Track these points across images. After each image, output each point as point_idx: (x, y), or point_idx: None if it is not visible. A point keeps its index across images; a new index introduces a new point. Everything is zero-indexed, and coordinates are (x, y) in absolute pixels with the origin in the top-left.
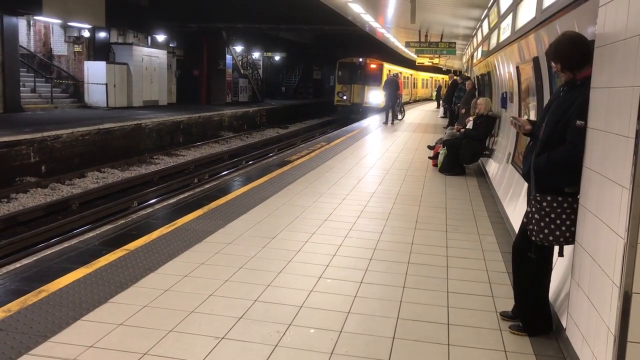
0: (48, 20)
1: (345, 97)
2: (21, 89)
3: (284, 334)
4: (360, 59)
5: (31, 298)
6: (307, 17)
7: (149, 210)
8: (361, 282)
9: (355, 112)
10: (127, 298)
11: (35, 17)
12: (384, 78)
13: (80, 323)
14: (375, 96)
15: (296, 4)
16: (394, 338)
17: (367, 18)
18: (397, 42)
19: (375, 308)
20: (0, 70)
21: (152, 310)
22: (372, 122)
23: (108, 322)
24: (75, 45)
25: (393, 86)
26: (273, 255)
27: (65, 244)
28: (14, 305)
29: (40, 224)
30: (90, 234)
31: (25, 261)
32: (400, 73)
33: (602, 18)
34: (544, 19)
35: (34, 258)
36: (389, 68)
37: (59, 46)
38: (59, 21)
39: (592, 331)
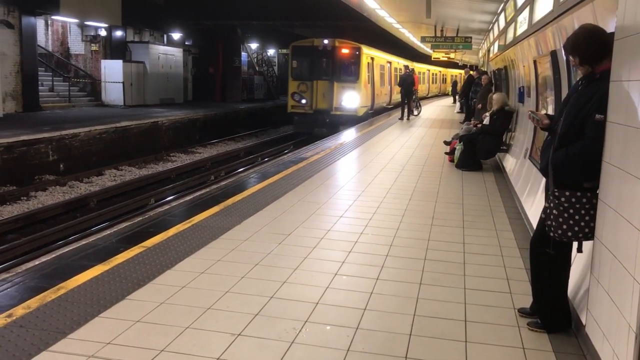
0: (65, 19)
1: (304, 101)
2: (39, 88)
3: (300, 330)
4: (326, 41)
5: (50, 295)
6: (321, 14)
7: (166, 207)
8: (377, 279)
9: (320, 125)
10: (144, 295)
11: (53, 17)
12: (364, 69)
13: (98, 320)
14: (351, 98)
15: (311, 1)
16: (410, 335)
17: (382, 13)
18: (412, 37)
19: (391, 305)
20: (19, 69)
21: (169, 307)
22: (387, 119)
23: (125, 319)
24: (92, 44)
25: (409, 81)
26: (289, 252)
27: (83, 242)
28: (34, 302)
29: (58, 222)
30: (108, 232)
31: (44, 258)
32: (390, 63)
33: (622, 9)
34: (561, 12)
35: (53, 255)
36: (372, 54)
37: (76, 45)
38: (76, 20)
39: (612, 328)
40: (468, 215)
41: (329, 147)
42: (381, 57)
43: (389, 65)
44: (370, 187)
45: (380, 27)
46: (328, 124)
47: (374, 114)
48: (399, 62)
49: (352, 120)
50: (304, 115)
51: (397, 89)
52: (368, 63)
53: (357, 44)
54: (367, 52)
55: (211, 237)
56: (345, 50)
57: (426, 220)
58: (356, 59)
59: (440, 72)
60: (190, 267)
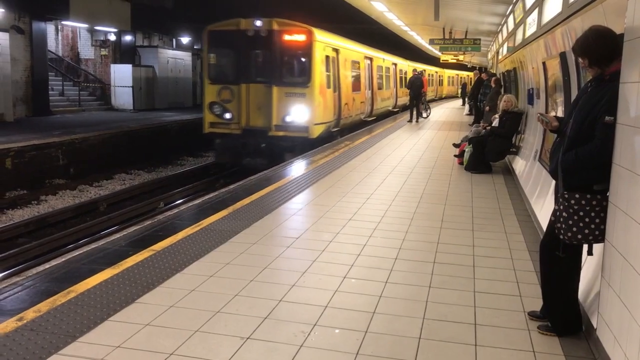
0: (75, 24)
1: (228, 116)
2: (50, 92)
3: (309, 334)
4: (259, 22)
5: (60, 298)
6: (328, 16)
7: (175, 211)
8: (386, 282)
9: (253, 152)
10: (153, 298)
11: (63, 22)
12: (317, 66)
13: (108, 323)
14: (300, 111)
15: (318, 3)
16: (420, 338)
17: (391, 16)
18: (420, 40)
19: (400, 308)
20: (30, 74)
21: (178, 311)
22: (397, 121)
23: (135, 323)
24: (101, 49)
25: (417, 84)
26: (297, 255)
27: (93, 245)
28: (44, 306)
29: (68, 226)
30: (118, 235)
31: (54, 262)
32: (395, 65)
33: (632, 10)
34: (571, 13)
35: (63, 259)
36: (335, 45)
37: (86, 50)
38: (85, 25)
39: (624, 331)
40: (477, 218)
41: (337, 150)
42: (361, 54)
43: (394, 67)
44: (379, 190)
45: (390, 31)
46: (265, 150)
47: (346, 130)
48: (404, 64)
49: (302, 144)
50: (228, 138)
51: (403, 91)
52: (328, 57)
53: (307, 26)
54: (323, 39)
55: (220, 240)
56: (289, 37)
57: (435, 223)
58: (307, 49)
59: (436, 72)
60: (199, 270)
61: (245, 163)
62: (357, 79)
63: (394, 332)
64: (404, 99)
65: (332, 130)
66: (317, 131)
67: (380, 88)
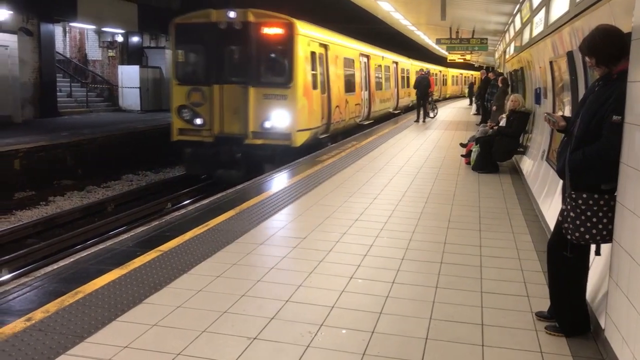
0: (83, 26)
1: (199, 121)
2: (58, 94)
3: (315, 334)
4: (233, 14)
5: (68, 299)
6: (334, 16)
7: (183, 211)
8: (393, 282)
9: (227, 162)
10: (161, 299)
11: (71, 24)
12: (300, 63)
13: (116, 324)
14: (282, 115)
15: (323, 3)
16: (426, 339)
17: (397, 16)
18: (427, 39)
19: (407, 308)
20: (38, 76)
21: (185, 311)
22: (399, 123)
23: (142, 323)
24: (109, 50)
25: (424, 84)
26: (304, 256)
27: (101, 246)
28: (52, 306)
29: (76, 226)
30: (125, 236)
31: (62, 263)
32: (397, 63)
33: None
34: (578, 12)
35: (71, 260)
36: (315, 38)
37: (94, 51)
38: (93, 27)
39: (632, 332)
40: (485, 218)
41: (344, 150)
42: (356, 51)
43: (394, 66)
44: (386, 190)
45: (397, 30)
46: (241, 161)
47: (339, 136)
48: (406, 63)
49: (283, 154)
50: (199, 147)
51: (405, 91)
52: (314, 54)
53: (288, 17)
54: (308, 33)
55: (227, 241)
56: (267, 30)
57: (442, 223)
58: (286, 45)
59: (440, 72)
60: (206, 271)
61: (219, 175)
62: (351, 79)
63: (401, 333)
64: (406, 100)
65: (320, 137)
66: (301, 138)
67: (379, 88)
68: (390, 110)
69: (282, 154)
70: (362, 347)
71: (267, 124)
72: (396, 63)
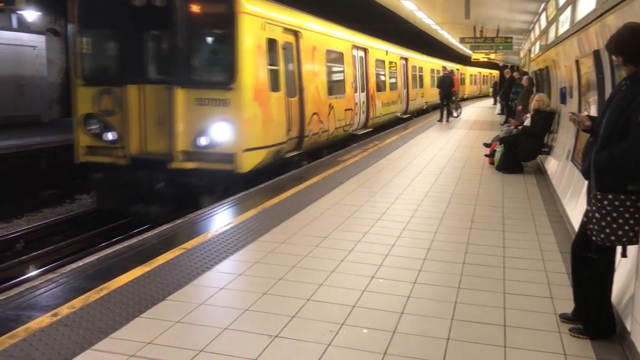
0: None
1: (110, 137)
2: None
3: (336, 333)
4: None
5: (93, 295)
6: (358, 16)
7: (206, 209)
8: (415, 283)
9: (147, 195)
10: (184, 296)
11: None
12: (249, 52)
13: (139, 320)
14: (221, 128)
15: (347, 3)
16: (448, 339)
17: (420, 15)
18: (451, 38)
19: (429, 309)
20: (65, 76)
21: (207, 308)
22: (426, 121)
23: (166, 319)
24: None
25: (448, 83)
26: (325, 255)
27: (125, 243)
28: (78, 302)
29: (102, 224)
30: (149, 233)
31: (87, 259)
32: (406, 60)
33: None
34: (605, 10)
35: (96, 257)
36: (276, 20)
37: None
38: None
39: None
40: (508, 218)
41: (365, 150)
42: (346, 42)
43: (403, 63)
44: (408, 190)
45: (420, 29)
46: (165, 193)
47: (324, 151)
48: (419, 59)
49: (226, 182)
50: (112, 171)
51: (417, 92)
52: (275, 42)
53: None
54: (263, 13)
55: (249, 239)
56: (199, 6)
57: (465, 224)
58: (227, 27)
59: (458, 69)
60: (229, 268)
61: (135, 212)
62: (338, 78)
63: (422, 333)
64: (419, 102)
65: (286, 156)
66: (250, 161)
67: (381, 89)
68: (398, 114)
69: (224, 182)
70: (383, 347)
71: (202, 141)
72: (405, 59)
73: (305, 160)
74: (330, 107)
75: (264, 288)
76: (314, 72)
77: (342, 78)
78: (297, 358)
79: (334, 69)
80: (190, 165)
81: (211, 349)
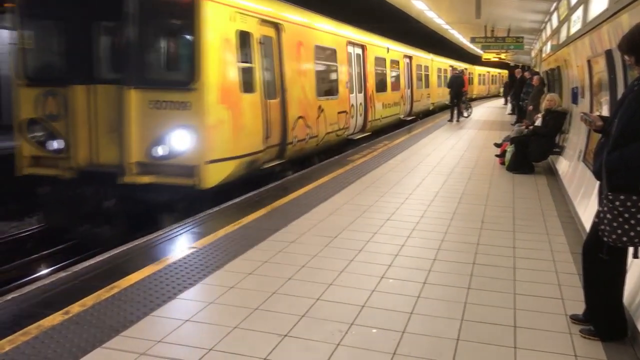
0: None
1: (55, 145)
2: None
3: (346, 333)
4: None
5: (104, 293)
6: (365, 15)
7: (215, 209)
8: (424, 283)
9: (96, 213)
10: (193, 295)
11: None
12: (214, 46)
13: (150, 318)
14: (182, 136)
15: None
16: (458, 340)
17: (431, 14)
18: (461, 38)
19: (439, 309)
20: None
21: (217, 307)
22: (436, 121)
23: (176, 318)
24: None
25: (458, 83)
26: (335, 254)
27: (136, 242)
28: (89, 300)
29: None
30: (160, 232)
31: (98, 258)
32: (410, 58)
33: None
34: (617, 10)
35: (107, 255)
36: (250, 10)
37: None
38: None
39: None
40: (519, 219)
41: (375, 150)
42: (340, 38)
43: (407, 61)
44: (418, 189)
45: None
46: (115, 211)
47: (316, 158)
48: (425, 58)
49: (188, 199)
50: (58, 186)
51: (422, 93)
52: (249, 36)
53: None
54: (229, 0)
55: (258, 238)
56: None
57: (475, 224)
58: (188, 17)
59: (466, 69)
60: (238, 268)
61: (83, 232)
62: (330, 77)
63: (432, 333)
64: (424, 103)
65: (265, 167)
66: (216, 175)
67: (381, 90)
68: (401, 116)
69: (186, 199)
70: (392, 347)
71: (159, 151)
72: (409, 58)
73: (290, 170)
74: (320, 109)
75: (274, 287)
76: (299, 70)
77: (334, 77)
78: (307, 357)
79: (325, 67)
80: (145, 179)
81: (220, 348)
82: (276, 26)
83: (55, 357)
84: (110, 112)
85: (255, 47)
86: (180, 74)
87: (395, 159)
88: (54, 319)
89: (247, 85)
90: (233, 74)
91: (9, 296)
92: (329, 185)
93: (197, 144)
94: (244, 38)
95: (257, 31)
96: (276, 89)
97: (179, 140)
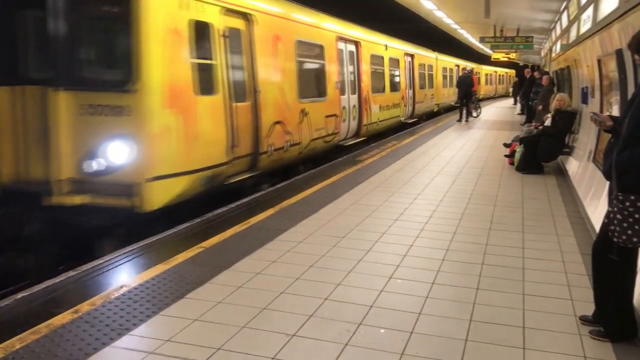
0: None
1: None
2: None
3: (354, 333)
4: None
5: (113, 293)
6: (376, 15)
7: (224, 209)
8: (433, 283)
9: (16, 240)
10: (202, 294)
11: None
12: (158, 39)
13: (159, 317)
14: (119, 148)
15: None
16: (466, 340)
17: (440, 14)
18: (470, 37)
19: (447, 309)
20: None
21: (226, 307)
22: (445, 121)
23: (184, 317)
24: None
25: (467, 82)
26: (343, 254)
27: (145, 242)
28: (98, 299)
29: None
30: (169, 232)
31: (107, 257)
32: (412, 56)
33: None
34: (628, 9)
35: (116, 254)
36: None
37: None
38: None
39: None
40: (528, 219)
41: (384, 150)
42: (329, 33)
43: (408, 59)
44: (427, 190)
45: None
46: (39, 237)
47: (300, 169)
48: (429, 56)
49: (127, 223)
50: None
51: (425, 93)
52: (208, 27)
53: None
54: None
55: (267, 238)
56: None
57: (484, 224)
58: (124, 6)
59: (473, 68)
60: (247, 267)
61: (10, 261)
62: (316, 77)
63: (440, 334)
64: (427, 105)
65: (231, 181)
66: (162, 193)
67: (378, 90)
68: (402, 119)
69: (124, 223)
70: (400, 347)
71: (93, 165)
72: (411, 56)
73: (267, 182)
74: (303, 113)
75: (282, 287)
76: (276, 69)
77: (321, 77)
78: (315, 357)
79: (310, 65)
80: (76, 199)
81: (229, 347)
82: (246, 17)
83: (65, 355)
84: (36, 118)
85: (217, 40)
86: (117, 73)
87: (404, 159)
88: (64, 317)
89: (205, 85)
90: (184, 73)
91: (19, 295)
92: (338, 185)
93: (138, 157)
94: (200, 30)
95: (220, 22)
96: (246, 90)
97: (116, 153)
